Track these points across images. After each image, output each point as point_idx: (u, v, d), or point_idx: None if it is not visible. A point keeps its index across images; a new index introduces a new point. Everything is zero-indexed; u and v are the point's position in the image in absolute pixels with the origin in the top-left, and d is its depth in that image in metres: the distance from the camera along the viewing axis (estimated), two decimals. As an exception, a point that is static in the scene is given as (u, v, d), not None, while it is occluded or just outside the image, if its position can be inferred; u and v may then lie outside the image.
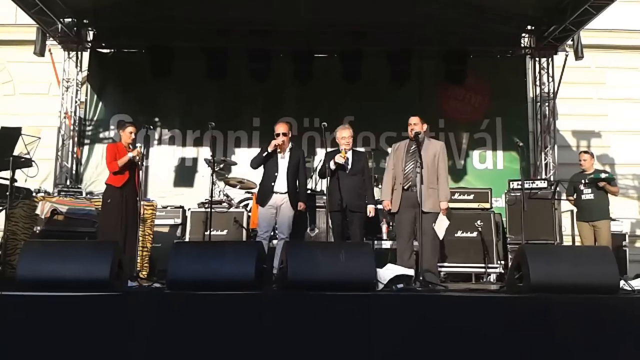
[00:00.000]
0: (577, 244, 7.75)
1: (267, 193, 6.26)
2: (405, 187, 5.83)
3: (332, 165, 6.09)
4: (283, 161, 6.34)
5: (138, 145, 6.23)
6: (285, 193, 6.26)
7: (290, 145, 6.43)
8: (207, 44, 9.29)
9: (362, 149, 8.21)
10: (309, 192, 7.57)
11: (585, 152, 7.70)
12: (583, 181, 7.21)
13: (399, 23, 9.06)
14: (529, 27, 9.45)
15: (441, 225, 5.72)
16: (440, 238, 5.84)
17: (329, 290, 3.84)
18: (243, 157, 7.22)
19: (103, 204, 6.08)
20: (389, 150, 9.50)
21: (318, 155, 9.28)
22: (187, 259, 4.17)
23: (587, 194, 7.20)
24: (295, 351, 3.62)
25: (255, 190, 7.18)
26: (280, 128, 6.33)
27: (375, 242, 7.25)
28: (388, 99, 9.53)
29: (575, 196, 7.40)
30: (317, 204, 7.19)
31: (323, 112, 9.32)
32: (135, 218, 5.92)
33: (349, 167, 6.21)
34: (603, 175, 7.10)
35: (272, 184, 6.21)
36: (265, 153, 6.26)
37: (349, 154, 6.28)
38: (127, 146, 6.16)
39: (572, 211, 8.05)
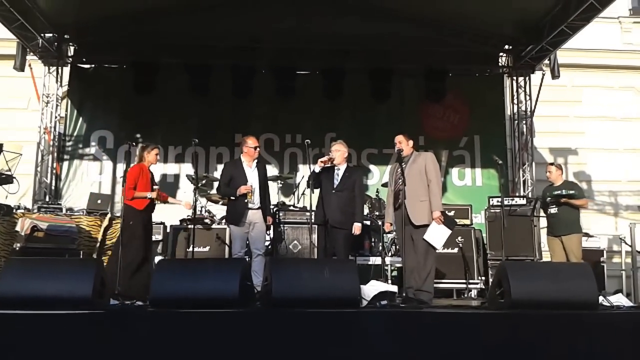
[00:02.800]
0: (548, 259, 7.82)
1: (241, 210, 6.18)
2: (397, 207, 5.81)
3: (317, 168, 6.08)
4: (253, 176, 6.31)
5: (156, 187, 6.24)
6: (258, 208, 6.25)
7: (256, 159, 6.45)
8: (189, 60, 9.29)
9: (355, 165, 8.24)
10: (291, 207, 7.62)
11: (551, 164, 7.70)
12: (548, 198, 7.27)
13: (381, 42, 9.20)
14: (506, 47, 9.66)
15: (434, 235, 5.60)
16: (437, 248, 5.71)
17: (313, 307, 3.85)
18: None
19: (124, 226, 5.99)
20: (371, 167, 9.67)
21: (300, 171, 9.30)
22: (171, 277, 4.15)
23: (553, 209, 7.18)
24: (280, 368, 3.63)
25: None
26: (255, 142, 6.39)
27: (358, 258, 7.26)
28: (369, 116, 9.66)
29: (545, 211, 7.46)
30: (299, 220, 7.21)
31: (305, 128, 9.39)
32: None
33: (337, 182, 6.19)
34: (564, 192, 7.16)
35: (246, 200, 6.17)
36: (234, 197, 6.21)
37: (342, 168, 6.26)
38: (149, 166, 6.21)
39: (547, 227, 8.16)
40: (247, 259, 6.27)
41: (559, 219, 7.12)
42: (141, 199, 6.06)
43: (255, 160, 6.42)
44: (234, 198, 6.21)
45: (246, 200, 6.14)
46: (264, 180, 6.40)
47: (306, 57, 9.50)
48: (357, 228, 6.14)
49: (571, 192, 7.12)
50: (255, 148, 6.37)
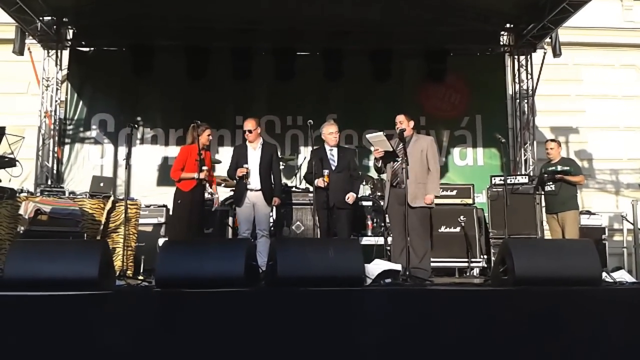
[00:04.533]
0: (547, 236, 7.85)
1: (241, 191, 6.30)
2: (394, 184, 5.91)
3: (316, 183, 6.12)
4: (254, 158, 6.36)
5: (205, 168, 6.22)
6: (259, 190, 6.29)
7: (261, 140, 6.48)
8: (188, 42, 9.27)
9: (348, 146, 8.28)
10: (293, 189, 7.63)
11: (553, 140, 7.73)
12: (545, 175, 7.29)
13: (380, 22, 9.14)
14: (507, 25, 9.60)
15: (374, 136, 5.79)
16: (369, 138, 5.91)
17: (318, 286, 3.87)
18: (227, 156, 7.24)
19: (173, 205, 6.30)
20: (372, 148, 9.65)
21: (302, 153, 9.31)
22: (176, 257, 4.17)
23: (549, 186, 7.23)
24: (286, 347, 3.65)
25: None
26: (248, 125, 6.42)
27: (360, 238, 7.30)
28: (370, 97, 9.63)
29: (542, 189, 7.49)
30: (302, 201, 7.23)
31: (306, 110, 9.35)
32: (199, 221, 6.32)
33: (335, 163, 6.28)
34: (559, 168, 7.18)
35: (245, 181, 6.23)
36: (235, 180, 6.37)
37: (334, 151, 6.35)
38: (203, 147, 6.22)
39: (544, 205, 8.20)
40: (252, 240, 6.32)
41: (555, 197, 7.16)
42: (188, 179, 6.16)
43: (260, 142, 6.43)
44: (236, 181, 6.32)
45: (244, 182, 6.21)
46: (268, 161, 6.40)
47: (306, 39, 9.45)
48: (351, 197, 6.29)
49: (566, 168, 7.13)
50: (249, 131, 6.38)
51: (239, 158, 6.37)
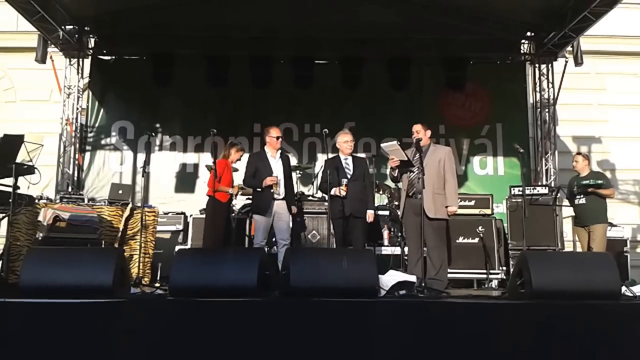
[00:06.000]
0: (579, 249, 7.74)
1: (267, 201, 6.26)
2: (410, 194, 5.85)
3: (332, 192, 6.12)
4: (277, 167, 6.39)
5: (236, 184, 6.84)
6: (283, 199, 6.31)
7: (279, 150, 6.53)
8: (208, 51, 9.32)
9: (362, 155, 8.25)
10: (309, 198, 7.63)
11: (579, 153, 7.71)
12: (575, 188, 7.23)
13: (399, 30, 9.11)
14: (528, 34, 9.49)
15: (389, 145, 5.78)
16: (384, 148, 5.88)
17: (331, 297, 3.85)
18: (244, 164, 7.26)
19: (207, 217, 6.66)
20: (388, 155, 9.61)
21: (319, 161, 9.30)
22: (190, 266, 4.18)
23: (580, 199, 7.21)
24: (298, 357, 3.64)
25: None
26: (277, 132, 6.50)
27: (377, 248, 7.26)
28: (388, 105, 9.59)
29: (571, 201, 7.43)
30: (317, 210, 7.22)
31: (324, 118, 9.38)
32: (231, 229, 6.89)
33: (351, 172, 6.27)
34: (592, 182, 7.12)
35: (274, 190, 6.23)
36: (260, 189, 6.34)
37: (349, 160, 6.34)
38: (233, 161, 6.85)
39: (573, 217, 8.07)
40: (267, 249, 6.34)
41: (586, 209, 7.14)
42: (224, 192, 6.57)
43: (279, 151, 6.49)
44: (260, 190, 6.28)
45: (272, 191, 6.22)
46: (288, 171, 6.49)
47: (324, 47, 9.44)
48: (370, 215, 6.30)
49: (599, 181, 7.08)
50: (277, 138, 6.45)
51: (261, 167, 6.36)
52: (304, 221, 7.03)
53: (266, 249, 6.38)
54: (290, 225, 6.48)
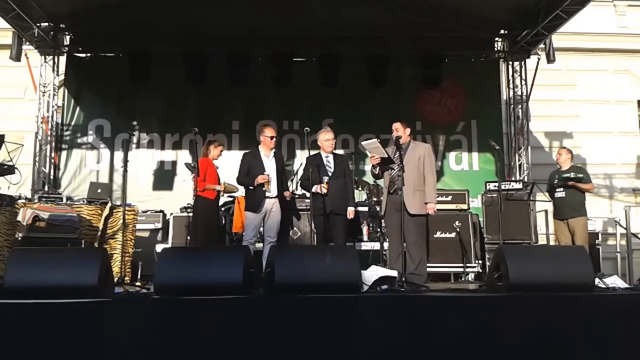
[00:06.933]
0: (552, 242, 7.93)
1: (259, 198, 6.33)
2: (391, 191, 5.93)
3: (314, 189, 6.21)
4: (271, 166, 6.45)
5: (222, 182, 6.91)
6: (275, 197, 6.39)
7: (273, 149, 6.56)
8: (185, 48, 9.28)
9: (341, 151, 8.34)
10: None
11: (563, 147, 7.90)
12: (556, 181, 7.39)
13: (376, 28, 9.21)
14: (502, 32, 9.67)
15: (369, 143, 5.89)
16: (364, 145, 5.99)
17: (315, 293, 3.91)
18: (223, 161, 7.29)
19: (196, 214, 6.62)
20: (368, 154, 9.72)
21: (298, 157, 9.37)
22: (175, 264, 4.21)
23: (559, 192, 7.34)
24: (284, 353, 3.69)
25: (238, 194, 7.23)
26: (272, 132, 6.57)
27: (357, 243, 7.35)
28: (366, 102, 9.70)
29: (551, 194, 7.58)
30: (298, 207, 7.28)
31: (302, 115, 9.47)
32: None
33: (332, 169, 6.35)
34: (572, 175, 7.28)
35: (264, 189, 6.30)
36: (252, 187, 6.38)
37: (330, 157, 6.42)
38: (215, 158, 6.94)
39: (546, 211, 8.26)
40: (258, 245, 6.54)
41: (565, 202, 7.26)
42: (211, 190, 6.70)
43: (273, 150, 6.54)
44: (252, 187, 6.35)
45: (264, 189, 6.29)
46: (281, 169, 6.58)
47: (302, 45, 9.49)
48: (351, 212, 6.40)
49: (580, 175, 7.24)
50: (272, 138, 6.51)
51: (254, 165, 6.42)
52: (285, 218, 7.07)
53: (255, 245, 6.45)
54: (279, 224, 6.52)
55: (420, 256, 5.80)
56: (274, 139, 6.54)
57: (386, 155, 5.88)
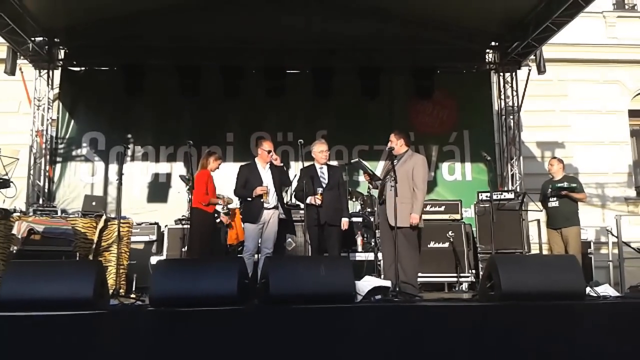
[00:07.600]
0: (545, 251, 7.98)
1: (258, 209, 6.38)
2: (380, 202, 5.99)
3: (308, 200, 6.24)
4: (267, 177, 6.51)
5: (222, 195, 7.06)
6: (273, 208, 6.44)
7: (269, 162, 6.61)
8: (179, 61, 9.35)
9: (335, 163, 8.40)
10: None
11: (554, 157, 7.94)
12: (549, 191, 7.45)
13: (369, 40, 9.31)
14: (493, 44, 9.77)
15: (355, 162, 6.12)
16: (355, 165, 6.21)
17: (310, 304, 3.95)
18: (218, 173, 7.33)
19: (195, 227, 6.60)
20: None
21: (292, 169, 9.40)
22: (170, 276, 4.23)
23: (553, 202, 7.40)
24: (279, 364, 3.73)
25: (233, 206, 7.26)
26: (269, 146, 6.61)
27: (351, 254, 7.39)
28: (360, 114, 9.77)
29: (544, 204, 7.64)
30: (293, 218, 7.31)
31: (296, 126, 9.54)
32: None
33: (326, 181, 6.41)
34: (566, 185, 7.35)
35: (264, 200, 6.35)
36: (250, 199, 6.43)
37: (324, 169, 6.48)
38: (212, 170, 6.93)
39: (538, 220, 8.32)
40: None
41: (559, 212, 7.33)
42: (213, 205, 6.81)
43: (269, 163, 6.58)
44: (250, 199, 6.40)
45: (262, 200, 6.35)
46: (279, 180, 6.62)
47: (296, 57, 9.57)
48: (345, 223, 6.44)
49: (573, 185, 7.31)
50: (269, 152, 6.55)
51: (251, 178, 6.48)
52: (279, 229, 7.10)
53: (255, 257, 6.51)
54: (276, 235, 6.55)
55: (412, 267, 5.77)
56: (271, 153, 6.57)
57: (371, 173, 6.04)
